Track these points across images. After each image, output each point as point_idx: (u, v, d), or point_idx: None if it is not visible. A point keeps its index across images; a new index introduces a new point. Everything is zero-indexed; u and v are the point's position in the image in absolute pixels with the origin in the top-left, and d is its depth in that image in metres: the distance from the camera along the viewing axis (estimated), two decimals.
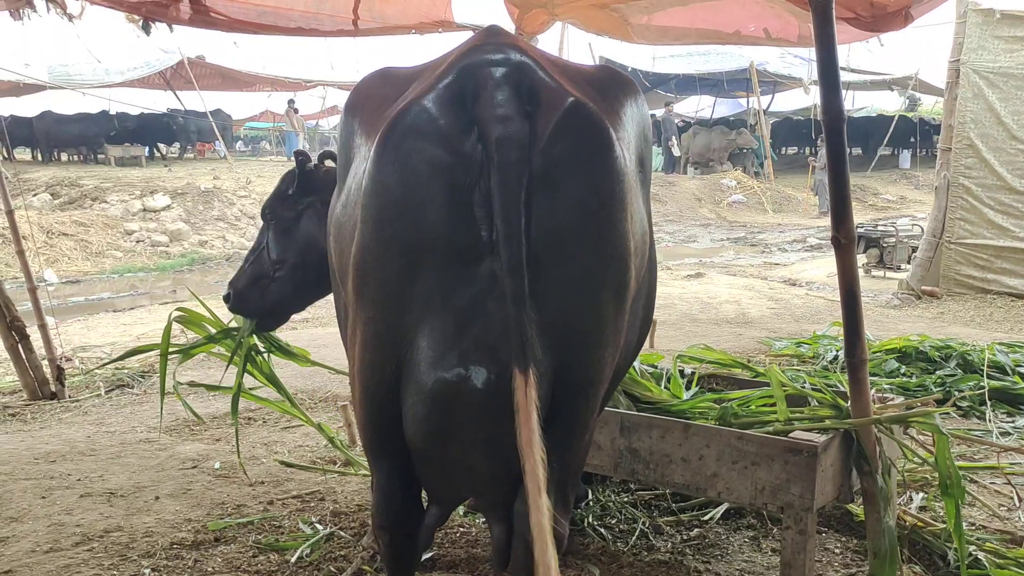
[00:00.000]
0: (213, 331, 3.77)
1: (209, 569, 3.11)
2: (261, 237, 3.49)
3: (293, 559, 3.17)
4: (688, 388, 4.01)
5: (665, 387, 3.99)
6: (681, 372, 4.12)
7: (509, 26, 5.98)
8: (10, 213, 7.10)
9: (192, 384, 4.24)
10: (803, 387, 3.71)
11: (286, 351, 3.89)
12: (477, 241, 1.84)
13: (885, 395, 3.83)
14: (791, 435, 3.16)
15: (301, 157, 3.37)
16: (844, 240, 3.16)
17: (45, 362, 6.50)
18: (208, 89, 28.64)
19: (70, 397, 6.39)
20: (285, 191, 3.40)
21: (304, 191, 3.36)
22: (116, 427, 5.44)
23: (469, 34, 6.62)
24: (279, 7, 5.89)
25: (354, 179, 2.07)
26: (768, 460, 3.12)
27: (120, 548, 3.27)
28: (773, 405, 3.53)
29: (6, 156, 26.04)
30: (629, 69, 29.30)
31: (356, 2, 5.75)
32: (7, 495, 3.83)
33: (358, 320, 2.02)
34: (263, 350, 3.78)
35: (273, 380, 3.87)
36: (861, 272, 11.49)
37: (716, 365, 4.16)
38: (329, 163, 3.58)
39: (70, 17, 5.92)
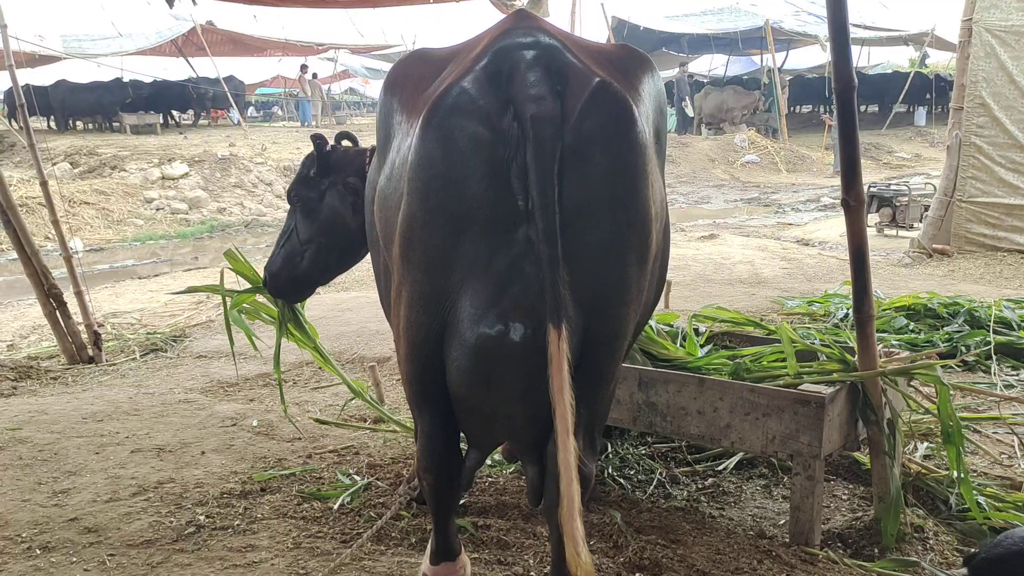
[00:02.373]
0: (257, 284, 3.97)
1: (258, 516, 3.35)
2: (289, 220, 3.68)
3: (336, 506, 3.41)
4: (703, 346, 4.20)
5: (680, 345, 4.18)
6: (696, 331, 4.31)
7: None
8: (44, 183, 7.34)
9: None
10: (812, 343, 3.88)
11: (299, 327, 4.05)
12: (514, 210, 2.04)
13: (892, 350, 4.02)
14: (800, 388, 3.35)
15: (319, 140, 3.54)
16: (853, 203, 3.31)
17: (81, 328, 6.76)
18: (219, 55, 28.68)
19: (107, 361, 6.65)
20: (307, 174, 3.57)
21: (324, 172, 3.54)
22: (155, 388, 5.69)
23: (482, 2, 6.71)
24: None
25: (398, 154, 2.26)
26: (778, 411, 3.31)
27: (174, 498, 3.52)
28: (784, 361, 3.71)
29: (20, 126, 26.41)
30: (641, 28, 29.15)
31: None
32: (63, 451, 4.09)
33: (404, 282, 2.22)
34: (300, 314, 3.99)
35: (311, 343, 4.08)
36: (873, 231, 11.68)
37: (730, 324, 4.34)
38: (346, 143, 3.76)
39: None
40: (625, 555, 3.01)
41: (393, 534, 3.17)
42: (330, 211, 3.54)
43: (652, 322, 4.11)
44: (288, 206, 3.69)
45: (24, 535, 3.18)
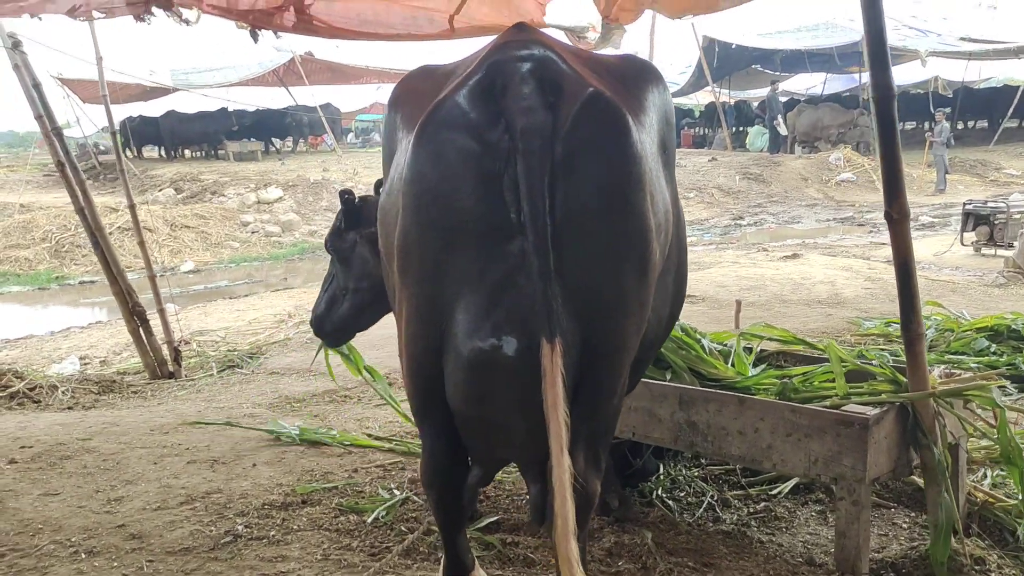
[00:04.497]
0: None
1: (294, 527, 3.42)
2: (331, 267, 3.91)
3: (369, 519, 3.45)
4: (755, 365, 4.08)
5: (731, 364, 4.07)
6: (748, 350, 4.19)
7: (596, 19, 6.10)
8: (132, 207, 7.73)
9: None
10: (864, 363, 3.72)
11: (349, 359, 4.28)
12: (507, 222, 2.03)
13: (954, 371, 3.82)
14: (843, 408, 3.22)
15: (347, 196, 3.73)
16: (897, 215, 3.18)
17: (164, 345, 7.06)
18: (318, 83, 29.65)
19: (186, 376, 6.92)
20: (338, 226, 3.77)
21: (352, 224, 3.72)
22: (224, 403, 5.88)
23: (559, 34, 6.77)
24: (378, 16, 6.20)
25: (396, 169, 2.29)
26: (820, 432, 3.19)
27: (218, 508, 3.62)
28: (833, 381, 3.57)
29: (134, 154, 27.87)
30: (733, 46, 28.75)
31: (453, 15, 5.99)
32: (124, 461, 4.26)
33: (403, 296, 2.25)
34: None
35: (368, 369, 4.31)
36: (970, 250, 11.14)
37: (779, 343, 4.21)
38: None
39: (186, 23, 6.41)
40: None
41: (422, 549, 3.19)
42: (361, 261, 3.72)
43: (705, 341, 4.03)
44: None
45: (73, 539, 3.33)
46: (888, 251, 11.17)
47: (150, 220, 13.97)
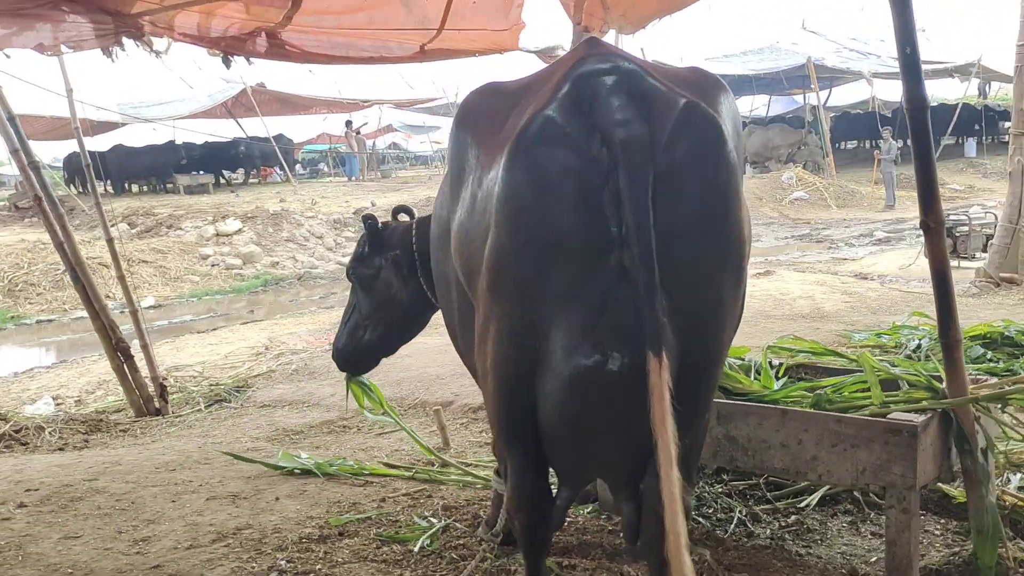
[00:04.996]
0: None
1: (339, 560, 3.32)
2: (352, 297, 3.85)
3: (416, 548, 3.37)
4: (777, 379, 4.10)
5: (754, 378, 4.08)
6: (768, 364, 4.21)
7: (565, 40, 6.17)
8: (110, 241, 7.54)
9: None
10: (894, 372, 3.76)
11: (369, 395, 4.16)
12: (607, 237, 2.01)
13: (979, 376, 3.88)
14: (889, 417, 3.24)
15: (370, 221, 3.71)
16: (933, 224, 3.23)
17: (147, 380, 6.86)
18: (268, 115, 29.41)
19: (173, 413, 6.73)
20: (362, 252, 3.74)
21: (377, 249, 3.69)
22: (221, 438, 5.73)
23: (530, 56, 6.79)
24: (350, 42, 6.18)
25: (480, 188, 2.25)
26: (868, 442, 3.20)
27: (254, 543, 3.50)
28: (865, 391, 3.60)
29: (81, 190, 27.22)
30: None
31: (425, 43, 6.00)
32: (140, 500, 4.11)
33: (492, 316, 2.19)
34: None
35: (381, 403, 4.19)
36: None
37: (809, 355, 4.24)
38: (402, 216, 3.88)
39: (156, 54, 6.30)
40: None
41: None
42: (385, 286, 3.68)
43: None
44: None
45: None
46: (854, 266, 11.42)
47: (105, 255, 13.61)
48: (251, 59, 6.47)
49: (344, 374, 4.02)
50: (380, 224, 3.75)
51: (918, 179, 3.29)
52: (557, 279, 2.05)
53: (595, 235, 2.02)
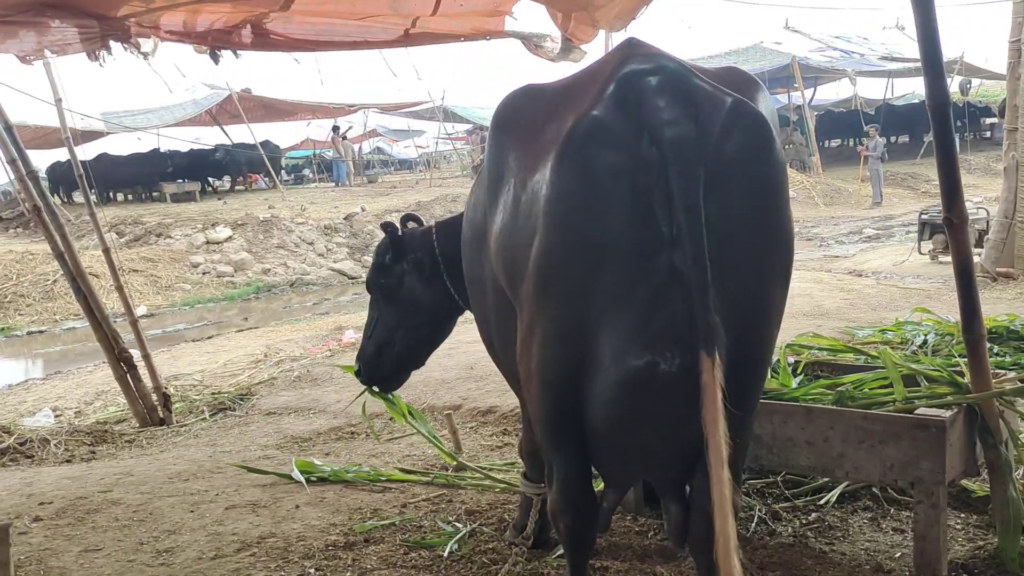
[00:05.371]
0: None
1: (368, 567, 3.30)
2: (372, 311, 3.78)
3: (445, 553, 3.35)
4: (794, 376, 4.11)
5: (772, 377, 4.09)
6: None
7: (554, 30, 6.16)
8: (106, 251, 7.47)
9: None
10: (916, 368, 3.77)
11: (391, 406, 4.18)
12: (657, 236, 2.01)
13: (997, 370, 3.90)
14: (916, 412, 3.25)
15: (390, 229, 3.65)
16: (956, 220, 3.25)
17: (150, 390, 6.79)
18: (253, 122, 29.27)
19: (178, 422, 6.67)
20: (383, 261, 3.67)
21: (399, 257, 3.63)
22: (230, 447, 5.68)
23: (514, 42, 6.76)
24: (334, 28, 6.16)
25: (524, 190, 2.23)
26: (895, 437, 3.21)
27: (279, 552, 3.47)
28: (886, 387, 3.61)
29: (65, 199, 26.98)
30: None
31: (410, 25, 5.98)
32: (157, 511, 4.07)
33: (538, 319, 2.18)
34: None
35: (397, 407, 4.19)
36: (927, 259, 11.48)
37: (829, 352, 4.25)
38: (412, 224, 3.85)
39: (144, 56, 6.24)
40: None
41: None
42: (410, 293, 3.62)
43: None
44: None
45: None
46: (847, 263, 11.42)
47: (95, 265, 13.52)
48: (238, 52, 6.43)
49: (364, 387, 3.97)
50: (400, 232, 3.70)
51: (940, 176, 3.30)
52: (607, 280, 2.05)
53: (646, 235, 2.01)
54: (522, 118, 2.40)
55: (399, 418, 4.13)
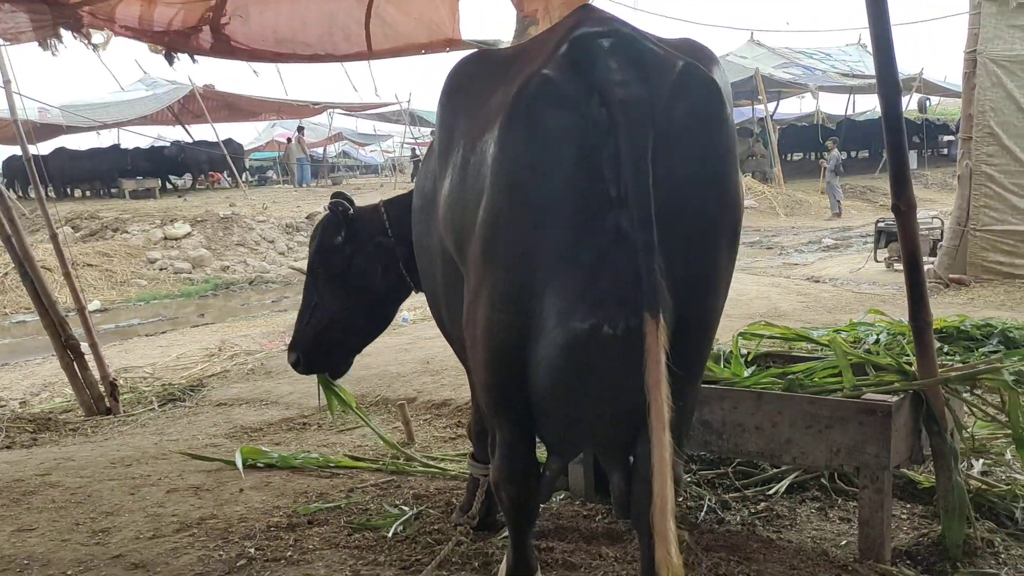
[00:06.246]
0: None
1: (309, 547, 3.23)
2: (309, 295, 3.55)
3: (390, 534, 3.30)
4: (747, 367, 4.12)
5: (724, 366, 4.10)
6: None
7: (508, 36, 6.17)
8: (54, 237, 7.31)
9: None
10: (865, 355, 3.79)
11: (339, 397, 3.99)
12: (603, 198, 1.98)
13: (946, 360, 3.94)
14: (863, 397, 3.27)
15: (341, 207, 3.42)
16: (904, 207, 3.28)
17: (97, 380, 6.64)
18: (216, 121, 28.91)
19: (125, 412, 6.53)
20: (332, 242, 3.45)
21: (351, 236, 3.43)
22: (177, 435, 5.56)
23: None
24: (295, 32, 6.07)
25: (473, 152, 2.20)
26: (842, 422, 3.22)
27: (220, 532, 3.40)
28: (835, 376, 3.63)
29: (20, 194, 26.40)
30: None
31: (366, 19, 5.91)
32: (96, 494, 3.96)
33: (484, 283, 2.14)
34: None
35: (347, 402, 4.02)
36: (883, 267, 11.65)
37: (781, 340, 4.26)
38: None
39: (95, 47, 6.11)
40: (699, 572, 2.89)
41: (454, 560, 3.06)
42: (359, 275, 3.45)
43: None
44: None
45: (69, 573, 3.06)
46: (806, 270, 11.53)
47: (48, 259, 13.23)
48: (195, 57, 6.30)
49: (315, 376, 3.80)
50: (352, 211, 3.49)
51: (889, 162, 3.33)
52: (553, 241, 2.02)
53: (593, 196, 1.99)
54: (473, 83, 2.37)
55: (333, 408, 3.92)
